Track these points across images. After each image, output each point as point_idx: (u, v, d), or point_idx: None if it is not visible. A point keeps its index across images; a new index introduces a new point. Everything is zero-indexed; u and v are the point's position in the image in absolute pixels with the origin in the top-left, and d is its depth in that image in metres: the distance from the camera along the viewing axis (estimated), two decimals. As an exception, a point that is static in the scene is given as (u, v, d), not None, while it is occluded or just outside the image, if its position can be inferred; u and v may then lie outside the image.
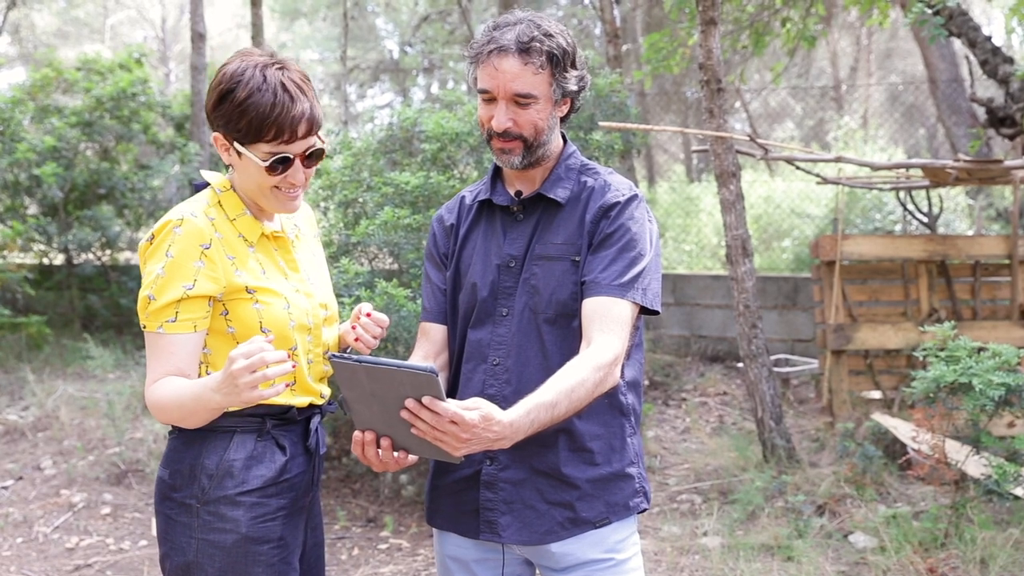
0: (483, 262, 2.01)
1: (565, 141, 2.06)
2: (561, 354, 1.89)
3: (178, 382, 1.77)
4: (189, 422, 1.80)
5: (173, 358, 1.78)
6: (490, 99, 1.92)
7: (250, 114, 1.77)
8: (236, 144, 1.82)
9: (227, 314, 1.83)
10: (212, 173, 1.95)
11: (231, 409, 1.79)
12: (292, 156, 1.83)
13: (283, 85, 1.79)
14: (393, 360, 1.60)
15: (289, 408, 1.90)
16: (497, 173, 2.07)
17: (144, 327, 1.81)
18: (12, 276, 7.93)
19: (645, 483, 2.02)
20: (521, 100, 1.89)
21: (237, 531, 1.82)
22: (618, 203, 1.94)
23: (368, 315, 2.05)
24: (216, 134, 1.86)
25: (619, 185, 1.99)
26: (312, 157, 1.87)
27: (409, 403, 1.59)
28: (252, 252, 1.88)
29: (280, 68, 1.82)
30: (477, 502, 1.95)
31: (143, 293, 1.80)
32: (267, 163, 1.81)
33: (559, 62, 1.90)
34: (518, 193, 2.02)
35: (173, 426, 1.89)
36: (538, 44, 1.87)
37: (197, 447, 1.85)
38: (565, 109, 1.99)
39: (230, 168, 1.91)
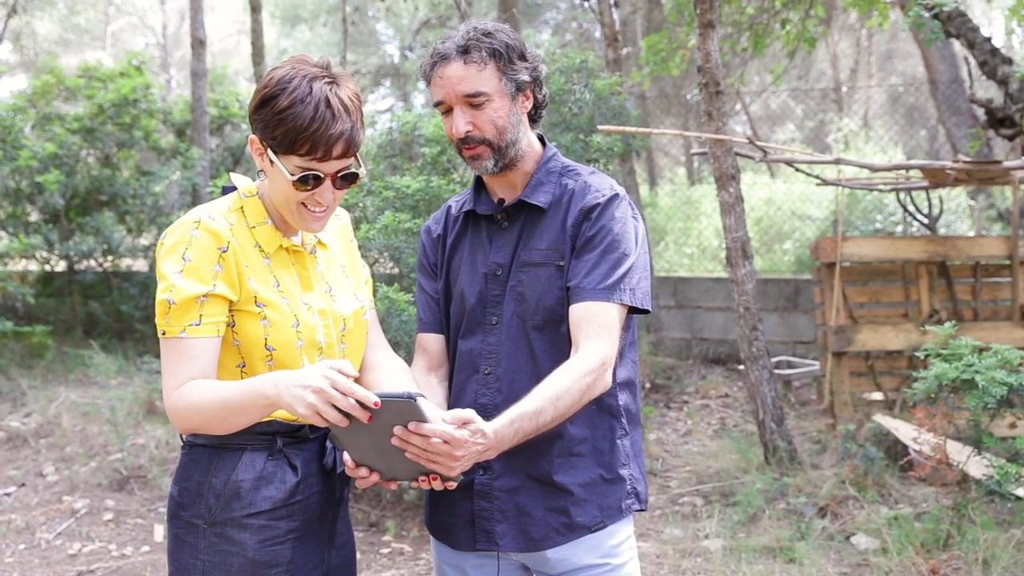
0: (470, 272, 1.99)
1: (545, 145, 2.03)
2: (551, 360, 1.86)
3: (217, 382, 1.70)
4: (228, 424, 1.70)
5: (196, 362, 1.71)
6: (447, 110, 1.91)
7: (287, 124, 1.71)
8: (270, 151, 1.76)
9: (234, 326, 1.77)
10: (241, 177, 1.90)
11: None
12: (323, 175, 1.76)
13: (327, 101, 1.71)
14: (372, 392, 1.59)
15: (301, 426, 1.83)
16: (480, 183, 2.05)
17: (163, 333, 1.73)
18: (16, 289, 7.93)
19: (639, 484, 1.99)
20: (473, 101, 1.87)
21: (244, 555, 1.76)
22: (598, 204, 1.90)
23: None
24: (253, 136, 1.80)
25: (600, 185, 1.95)
26: (345, 180, 1.80)
27: (398, 431, 1.58)
28: (267, 264, 1.82)
29: (331, 83, 1.74)
30: (472, 512, 1.93)
31: (160, 297, 1.72)
32: (296, 177, 1.74)
33: (502, 56, 1.88)
34: (501, 201, 2.00)
35: (185, 441, 1.85)
36: (476, 42, 1.86)
37: (205, 465, 1.79)
38: (528, 104, 1.95)
39: (261, 174, 1.86)
